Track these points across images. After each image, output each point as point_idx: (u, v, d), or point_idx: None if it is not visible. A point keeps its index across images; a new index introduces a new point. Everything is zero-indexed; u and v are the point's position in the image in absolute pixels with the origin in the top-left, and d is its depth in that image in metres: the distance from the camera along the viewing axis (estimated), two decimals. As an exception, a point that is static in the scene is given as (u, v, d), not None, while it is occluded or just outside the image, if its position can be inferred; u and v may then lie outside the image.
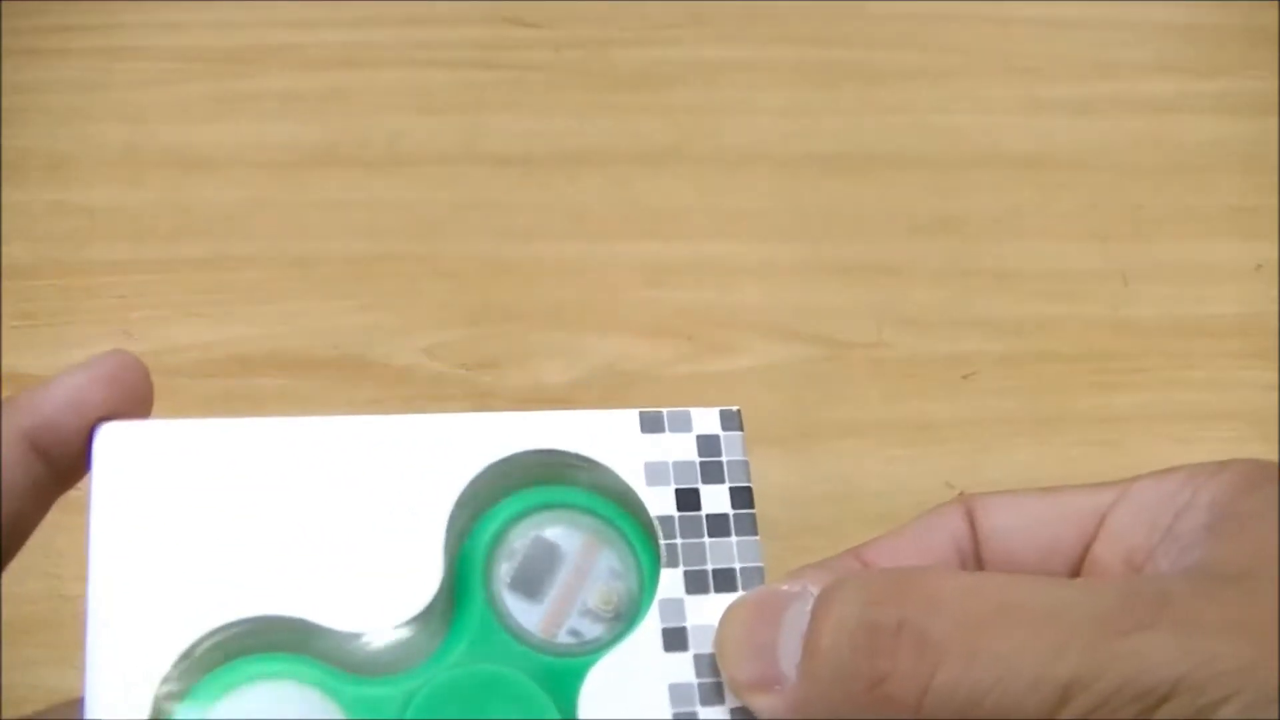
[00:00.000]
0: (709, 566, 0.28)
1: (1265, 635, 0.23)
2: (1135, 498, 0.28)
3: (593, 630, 0.27)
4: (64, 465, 0.26)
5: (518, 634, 0.27)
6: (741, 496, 0.29)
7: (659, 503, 0.28)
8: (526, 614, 0.27)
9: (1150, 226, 0.47)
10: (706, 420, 0.29)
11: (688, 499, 0.28)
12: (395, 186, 0.47)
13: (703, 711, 0.27)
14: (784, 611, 0.26)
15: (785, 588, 0.27)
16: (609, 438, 0.28)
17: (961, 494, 0.30)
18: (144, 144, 0.48)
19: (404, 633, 0.26)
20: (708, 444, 0.29)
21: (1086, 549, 0.29)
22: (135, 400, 0.27)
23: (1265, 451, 0.41)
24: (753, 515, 0.28)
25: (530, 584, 0.28)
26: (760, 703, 0.26)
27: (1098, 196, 0.48)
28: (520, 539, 0.28)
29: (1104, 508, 0.29)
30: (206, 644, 0.25)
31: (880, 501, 0.41)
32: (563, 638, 0.27)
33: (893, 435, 0.42)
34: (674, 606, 0.27)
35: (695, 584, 0.28)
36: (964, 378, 0.43)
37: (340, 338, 0.44)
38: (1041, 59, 0.52)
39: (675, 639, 0.27)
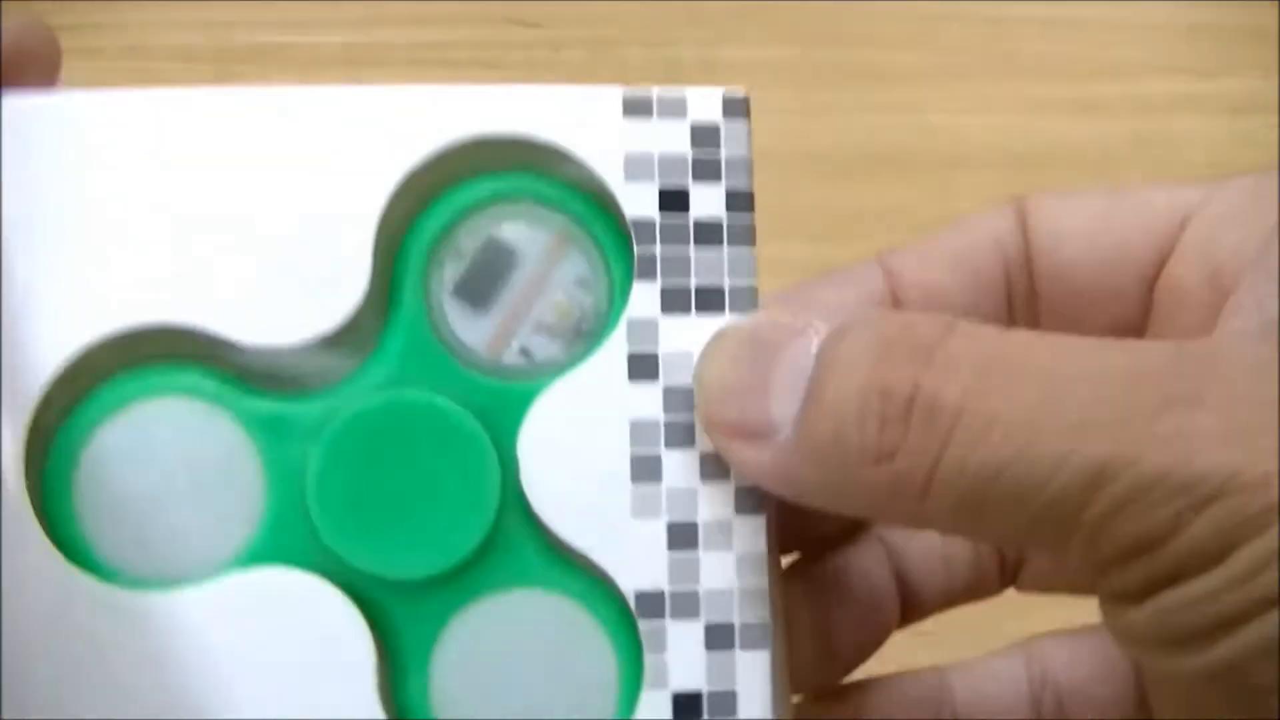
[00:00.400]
0: (692, 282, 0.23)
1: None
2: (1228, 197, 0.23)
3: (547, 349, 0.23)
4: None
5: (457, 350, 0.23)
6: (740, 201, 0.24)
7: (638, 203, 0.23)
8: (470, 327, 0.23)
9: (1150, 226, 0.47)
10: (705, 105, 0.24)
11: (673, 200, 0.23)
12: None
13: (667, 455, 0.22)
14: (783, 349, 0.22)
15: (788, 320, 0.22)
16: (583, 121, 0.23)
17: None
18: (144, 144, 0.48)
19: (322, 345, 0.22)
20: (704, 135, 0.24)
21: (1163, 263, 0.24)
22: (40, 65, 0.23)
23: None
24: (751, 226, 0.24)
25: (477, 291, 0.23)
26: (742, 453, 0.22)
27: (1098, 196, 0.48)
28: (469, 236, 0.23)
29: (1189, 208, 0.23)
30: (91, 354, 0.22)
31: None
32: (510, 357, 0.23)
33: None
34: (645, 328, 0.23)
35: (674, 302, 0.23)
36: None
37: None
38: (1041, 59, 0.52)
39: (643, 366, 0.22)
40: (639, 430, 0.22)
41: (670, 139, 0.23)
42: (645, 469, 0.22)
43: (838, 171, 0.48)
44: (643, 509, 0.22)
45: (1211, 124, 0.50)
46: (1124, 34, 0.52)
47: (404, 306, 0.23)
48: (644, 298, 0.23)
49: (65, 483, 0.22)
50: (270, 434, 0.22)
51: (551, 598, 0.22)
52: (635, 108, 0.23)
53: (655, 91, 0.24)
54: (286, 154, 0.22)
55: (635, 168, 0.23)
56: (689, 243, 0.23)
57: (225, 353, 0.22)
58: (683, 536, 0.22)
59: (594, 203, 0.24)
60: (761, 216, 0.47)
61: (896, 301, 0.26)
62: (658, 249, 0.23)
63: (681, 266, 0.23)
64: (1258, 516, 0.18)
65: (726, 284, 0.24)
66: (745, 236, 0.24)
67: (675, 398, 0.22)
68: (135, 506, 0.22)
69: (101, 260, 0.22)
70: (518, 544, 0.23)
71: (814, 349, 0.21)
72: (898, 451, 0.20)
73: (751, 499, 0.22)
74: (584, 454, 0.22)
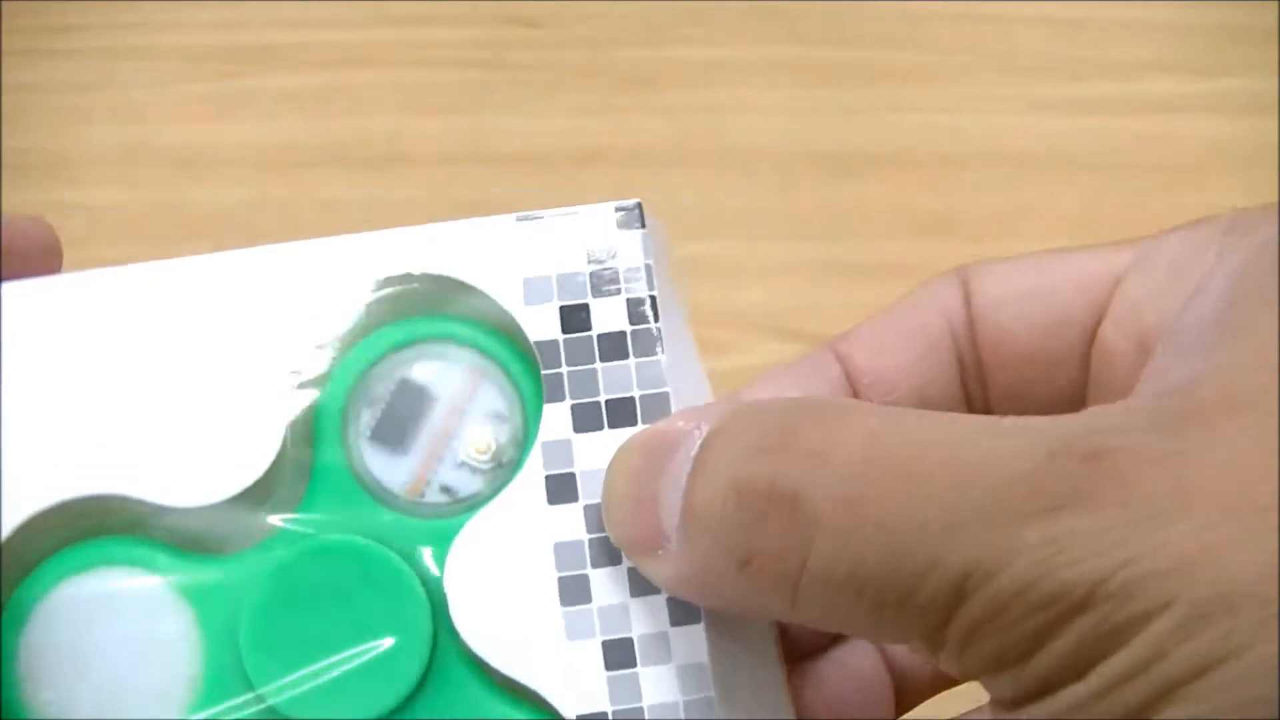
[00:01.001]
0: (601, 398, 0.23)
1: (1226, 510, 0.17)
2: (1157, 258, 0.22)
3: (470, 485, 0.23)
4: None
5: (379, 495, 0.23)
6: (639, 309, 0.23)
7: (540, 325, 0.23)
8: (390, 470, 0.23)
9: (1150, 226, 0.47)
10: (598, 221, 0.24)
11: (574, 318, 0.23)
12: (395, 186, 0.47)
13: (594, 574, 0.22)
14: (670, 458, 0.21)
15: (679, 425, 0.21)
16: (480, 252, 0.24)
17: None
18: (144, 144, 0.48)
19: (245, 501, 0.22)
20: (599, 250, 0.24)
21: (1097, 326, 0.23)
22: (32, 267, 0.24)
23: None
24: (656, 330, 0.23)
25: (394, 434, 0.23)
26: (646, 566, 0.21)
27: (1098, 196, 0.48)
28: (382, 381, 0.23)
29: (1120, 271, 0.23)
30: (27, 530, 0.22)
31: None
32: (432, 495, 0.23)
33: (893, 435, 0.42)
34: (559, 449, 0.22)
35: (585, 420, 0.23)
36: (964, 378, 0.43)
37: (340, 338, 0.44)
38: (1041, 59, 0.52)
39: (561, 488, 0.22)
40: (563, 552, 0.22)
41: (566, 259, 0.23)
42: (574, 590, 0.22)
43: (838, 171, 0.48)
44: (576, 631, 0.22)
45: (1211, 124, 0.50)
46: (1124, 34, 0.52)
47: (324, 458, 0.23)
48: (555, 419, 0.23)
49: (11, 655, 0.22)
50: (203, 595, 0.22)
51: None
52: (529, 233, 0.24)
53: (546, 214, 0.24)
54: (200, 322, 0.23)
55: (534, 291, 0.23)
56: (594, 359, 0.23)
57: (154, 519, 0.22)
58: (619, 655, 0.22)
59: (500, 333, 0.24)
60: (762, 216, 0.48)
61: (853, 388, 0.25)
62: (564, 369, 0.23)
63: (589, 383, 0.23)
64: (1121, 629, 0.17)
65: (637, 394, 0.23)
66: (651, 344, 0.23)
67: (596, 515, 0.22)
68: (77, 679, 0.22)
69: (28, 439, 0.22)
70: (457, 679, 0.22)
71: (694, 452, 0.20)
72: (755, 554, 0.19)
73: (685, 609, 0.22)
74: (511, 582, 0.22)
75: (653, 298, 0.23)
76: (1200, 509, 0.17)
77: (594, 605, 0.22)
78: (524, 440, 0.23)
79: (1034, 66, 0.51)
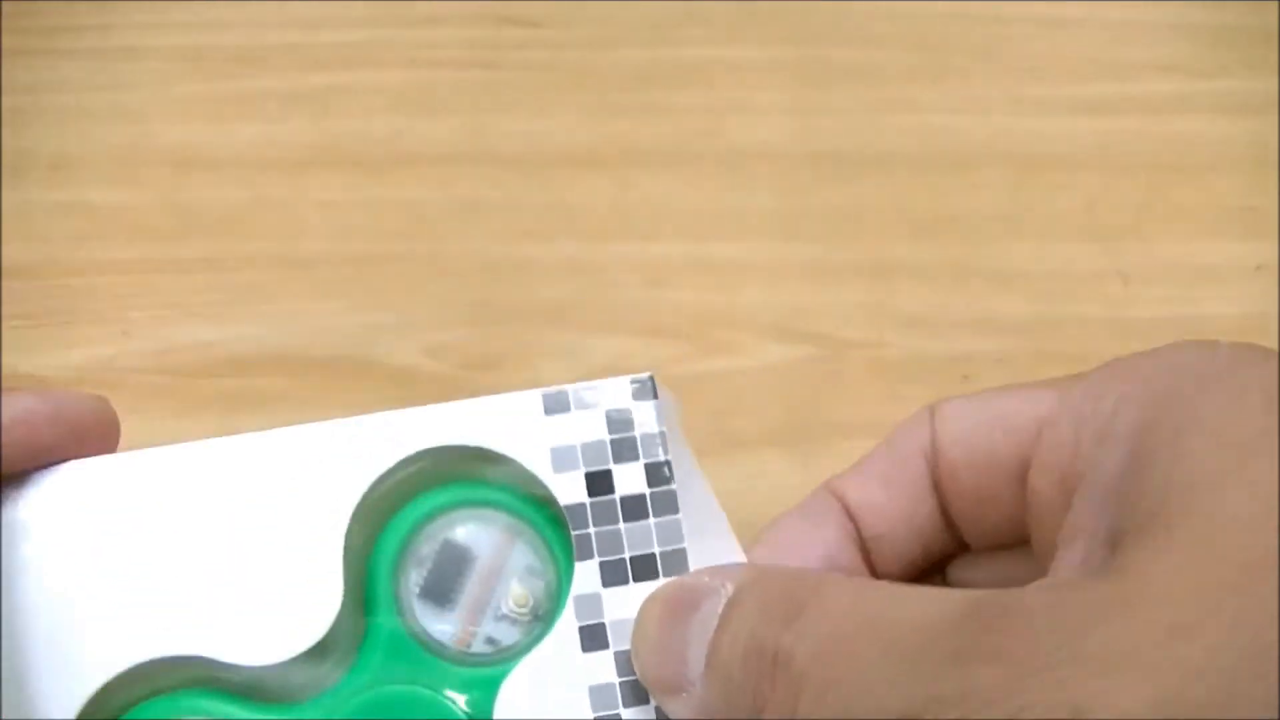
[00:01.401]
0: (626, 555, 0.26)
1: (1117, 657, 0.18)
2: (1072, 405, 0.24)
3: (510, 635, 0.26)
4: None
5: (431, 647, 0.26)
6: (657, 473, 0.26)
7: (568, 490, 0.26)
8: (439, 624, 0.26)
9: (1150, 226, 0.47)
10: (615, 393, 0.26)
11: (598, 482, 0.26)
12: (395, 186, 0.47)
13: (626, 712, 0.25)
14: (696, 611, 0.24)
15: (705, 580, 0.24)
16: (511, 425, 0.26)
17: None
18: (144, 144, 0.48)
19: (309, 658, 0.25)
20: (618, 419, 0.26)
21: (1026, 469, 0.25)
22: (92, 445, 0.26)
23: (1265, 451, 0.41)
24: (672, 492, 0.26)
25: (441, 591, 0.26)
26: (668, 706, 0.25)
27: (1098, 196, 0.48)
28: (428, 544, 0.26)
29: (1044, 415, 0.25)
30: (109, 690, 0.25)
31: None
32: (478, 646, 0.26)
33: (893, 435, 0.42)
34: (590, 602, 0.26)
35: (612, 575, 0.26)
36: (964, 378, 0.43)
37: (340, 338, 0.44)
38: (1041, 59, 0.52)
39: (593, 637, 0.25)
40: (598, 695, 0.25)
41: (589, 428, 0.26)
42: None
43: (838, 171, 0.48)
44: None
45: (1211, 124, 0.50)
46: (1124, 34, 0.52)
47: (379, 615, 0.26)
48: (585, 576, 0.26)
49: None
50: None
51: None
52: (554, 404, 0.26)
53: (570, 389, 0.26)
54: (251, 496, 0.26)
55: (561, 459, 0.26)
56: (618, 520, 0.26)
57: (227, 675, 0.25)
58: None
59: (532, 497, 0.26)
60: (762, 216, 0.48)
61: (854, 522, 0.28)
62: (591, 529, 0.26)
63: (615, 542, 0.26)
64: None
65: (658, 551, 0.26)
66: (669, 505, 0.26)
67: (625, 660, 0.25)
68: None
69: (107, 606, 0.25)
70: None
71: (720, 609, 0.24)
72: (765, 706, 0.22)
73: None
74: None
75: (668, 462, 0.26)
76: (1094, 658, 0.18)
77: None
78: (558, 594, 0.26)
79: (1034, 66, 0.51)
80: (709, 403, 0.43)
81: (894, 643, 0.21)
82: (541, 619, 0.26)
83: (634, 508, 0.26)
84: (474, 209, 0.47)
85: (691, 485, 0.26)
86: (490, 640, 0.26)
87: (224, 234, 0.46)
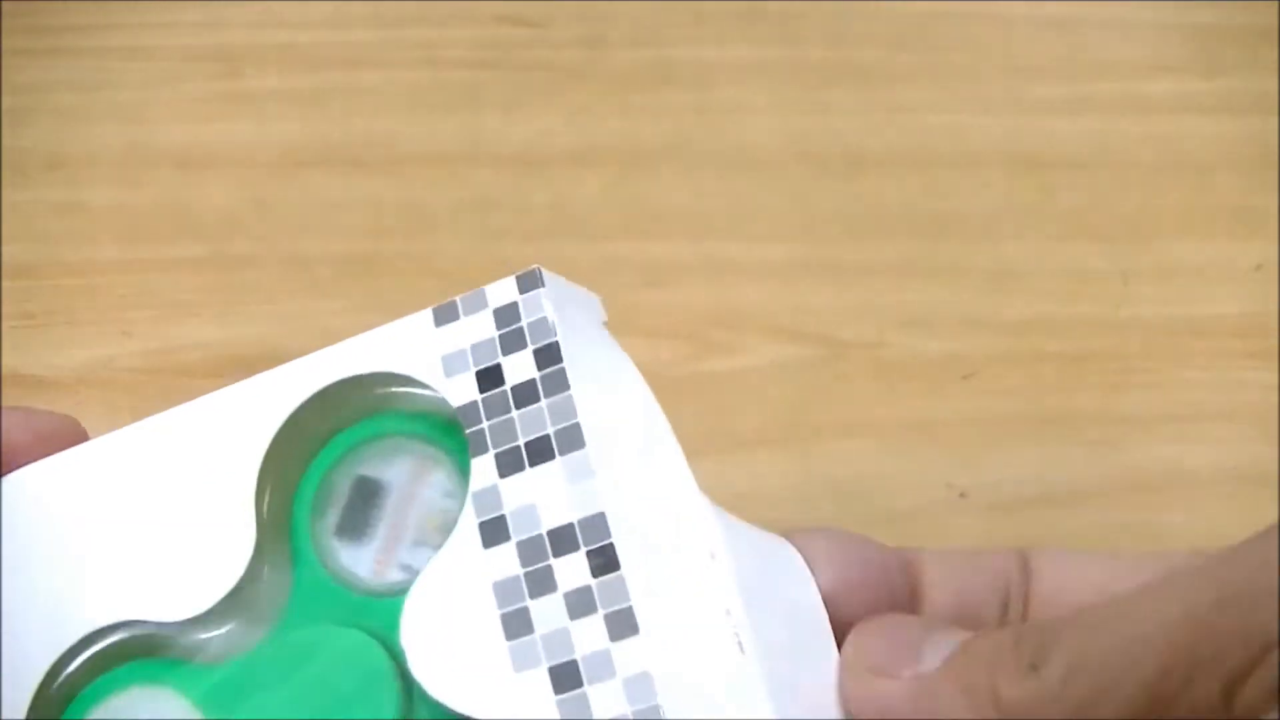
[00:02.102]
0: (520, 441, 0.24)
1: None
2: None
3: (426, 560, 0.25)
4: None
5: (350, 583, 0.25)
6: (547, 354, 0.25)
7: (460, 392, 0.25)
8: (356, 559, 0.25)
9: (1150, 226, 0.47)
10: (501, 291, 0.26)
11: (488, 377, 0.25)
12: (395, 186, 0.47)
13: (533, 604, 0.23)
14: (939, 630, 0.25)
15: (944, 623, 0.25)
16: (404, 346, 0.25)
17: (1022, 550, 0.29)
18: (144, 144, 0.48)
19: (232, 612, 0.25)
20: (505, 314, 0.25)
21: None
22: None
23: (1265, 452, 0.41)
24: (562, 370, 0.24)
25: (355, 527, 0.25)
26: (876, 685, 0.24)
27: (1098, 196, 0.48)
28: (341, 482, 0.26)
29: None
30: (60, 665, 0.26)
31: (880, 501, 0.41)
32: (395, 575, 0.25)
33: (893, 435, 0.42)
34: (488, 495, 0.24)
35: (508, 464, 0.24)
36: (964, 378, 0.43)
37: (340, 338, 0.43)
38: (1041, 59, 0.52)
39: (494, 531, 0.24)
40: (502, 590, 0.23)
41: (478, 330, 0.25)
42: (516, 624, 0.23)
43: (837, 171, 0.48)
44: (523, 662, 0.23)
45: (1211, 124, 0.50)
46: (1124, 34, 0.52)
47: (302, 566, 0.25)
48: (481, 470, 0.24)
49: None
50: (214, 698, 0.25)
51: None
52: (444, 316, 0.26)
53: (459, 299, 0.26)
54: (171, 470, 0.26)
55: (452, 364, 0.25)
56: (510, 409, 0.24)
57: (163, 639, 0.26)
58: (566, 678, 0.23)
59: (439, 417, 0.25)
60: (762, 216, 0.48)
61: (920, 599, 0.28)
62: (484, 424, 0.24)
63: (508, 431, 0.24)
64: None
65: (551, 431, 0.24)
66: (559, 383, 0.25)
67: (528, 549, 0.24)
68: None
69: (42, 588, 0.26)
70: None
71: (957, 639, 0.24)
72: (1044, 664, 0.22)
73: (623, 622, 0.23)
74: (459, 628, 0.23)
75: (556, 342, 0.25)
76: None
77: (536, 635, 0.23)
78: None
79: (1034, 66, 0.51)
80: (709, 403, 0.43)
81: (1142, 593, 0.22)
82: None
83: (524, 393, 0.24)
84: (474, 209, 0.47)
85: (618, 385, 0.25)
86: (406, 567, 0.25)
87: (224, 234, 0.46)
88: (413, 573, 0.25)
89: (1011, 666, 0.23)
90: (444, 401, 0.25)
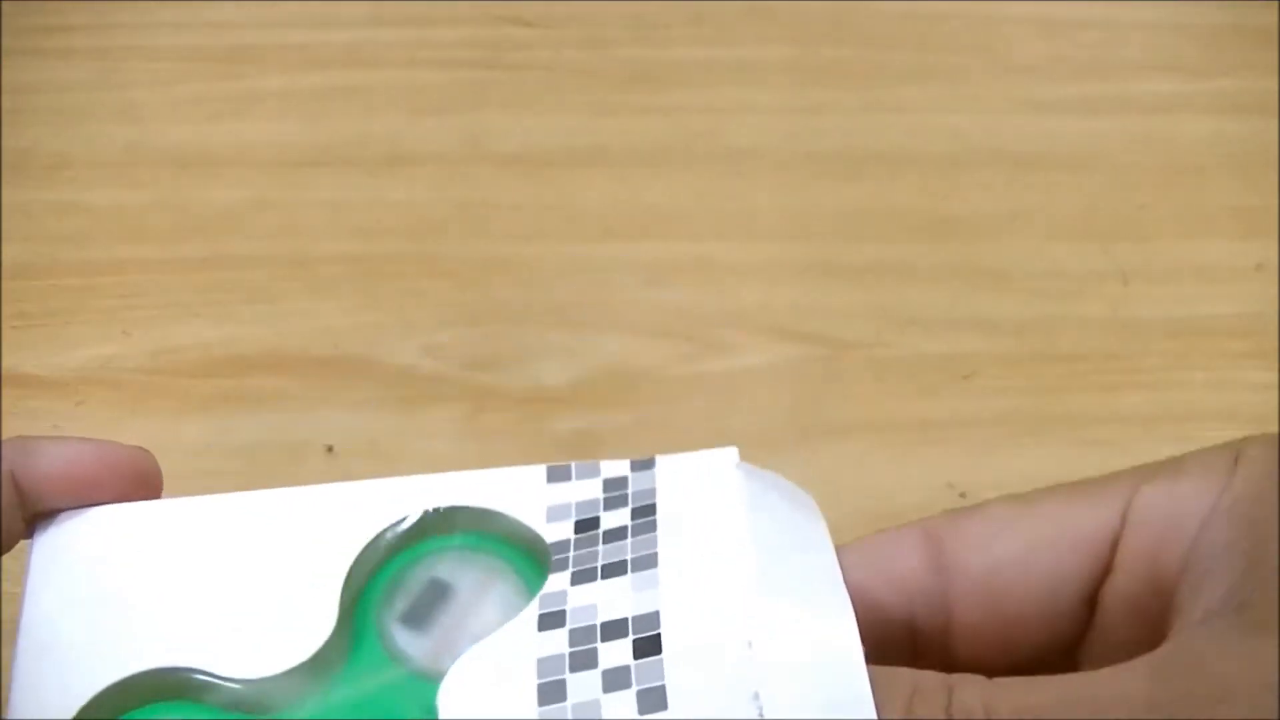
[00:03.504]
0: (599, 564, 0.26)
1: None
2: (1147, 517, 0.25)
3: None
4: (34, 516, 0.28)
5: (403, 660, 0.27)
6: (644, 510, 0.26)
7: (556, 534, 0.27)
8: (414, 645, 0.27)
9: (1150, 226, 0.47)
10: (615, 466, 0.28)
11: (585, 524, 0.27)
12: (395, 186, 0.47)
13: (571, 678, 0.24)
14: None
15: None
16: (515, 492, 0.27)
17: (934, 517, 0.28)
18: (144, 144, 0.48)
19: (296, 673, 0.26)
20: (614, 484, 0.27)
21: (1099, 580, 0.26)
22: (135, 492, 0.29)
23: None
24: (653, 521, 0.26)
25: (420, 618, 0.27)
26: None
27: (1098, 196, 0.48)
28: (414, 579, 0.28)
29: (1113, 532, 0.26)
30: (104, 696, 0.26)
31: (880, 502, 0.41)
32: (447, 664, 0.26)
33: (893, 435, 0.42)
34: (555, 597, 0.25)
35: (581, 577, 0.26)
36: (964, 378, 0.43)
37: (340, 338, 0.44)
38: (1041, 59, 0.52)
39: (551, 619, 0.25)
40: (545, 664, 0.24)
41: (586, 491, 0.27)
42: (551, 693, 0.24)
43: (837, 171, 0.48)
44: None
45: (1211, 124, 0.50)
46: (1123, 34, 0.52)
47: (364, 640, 0.27)
48: (555, 581, 0.26)
49: None
50: None
51: None
52: (556, 475, 0.27)
53: (573, 465, 0.28)
54: (271, 543, 0.28)
55: (556, 513, 0.27)
56: (597, 544, 0.26)
57: (214, 686, 0.26)
58: None
59: (517, 542, 0.27)
60: (762, 216, 0.48)
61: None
62: (570, 554, 0.26)
63: (590, 557, 0.26)
64: None
65: (629, 558, 0.26)
66: (648, 527, 0.26)
67: (579, 634, 0.25)
68: None
69: (112, 628, 0.27)
70: None
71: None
72: None
73: (655, 697, 0.23)
74: (494, 693, 0.24)
75: (654, 504, 0.26)
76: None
77: (568, 703, 0.24)
78: None
79: (1034, 66, 0.51)
80: (709, 403, 0.43)
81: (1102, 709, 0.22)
82: None
83: (615, 535, 0.26)
84: (474, 209, 0.47)
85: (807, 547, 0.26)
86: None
87: (224, 234, 0.46)
88: None
89: None
90: (527, 529, 0.27)
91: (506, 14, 0.52)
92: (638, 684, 0.23)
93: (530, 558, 0.27)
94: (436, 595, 0.28)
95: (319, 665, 0.27)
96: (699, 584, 0.24)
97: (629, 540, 0.26)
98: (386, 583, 0.28)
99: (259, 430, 0.41)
